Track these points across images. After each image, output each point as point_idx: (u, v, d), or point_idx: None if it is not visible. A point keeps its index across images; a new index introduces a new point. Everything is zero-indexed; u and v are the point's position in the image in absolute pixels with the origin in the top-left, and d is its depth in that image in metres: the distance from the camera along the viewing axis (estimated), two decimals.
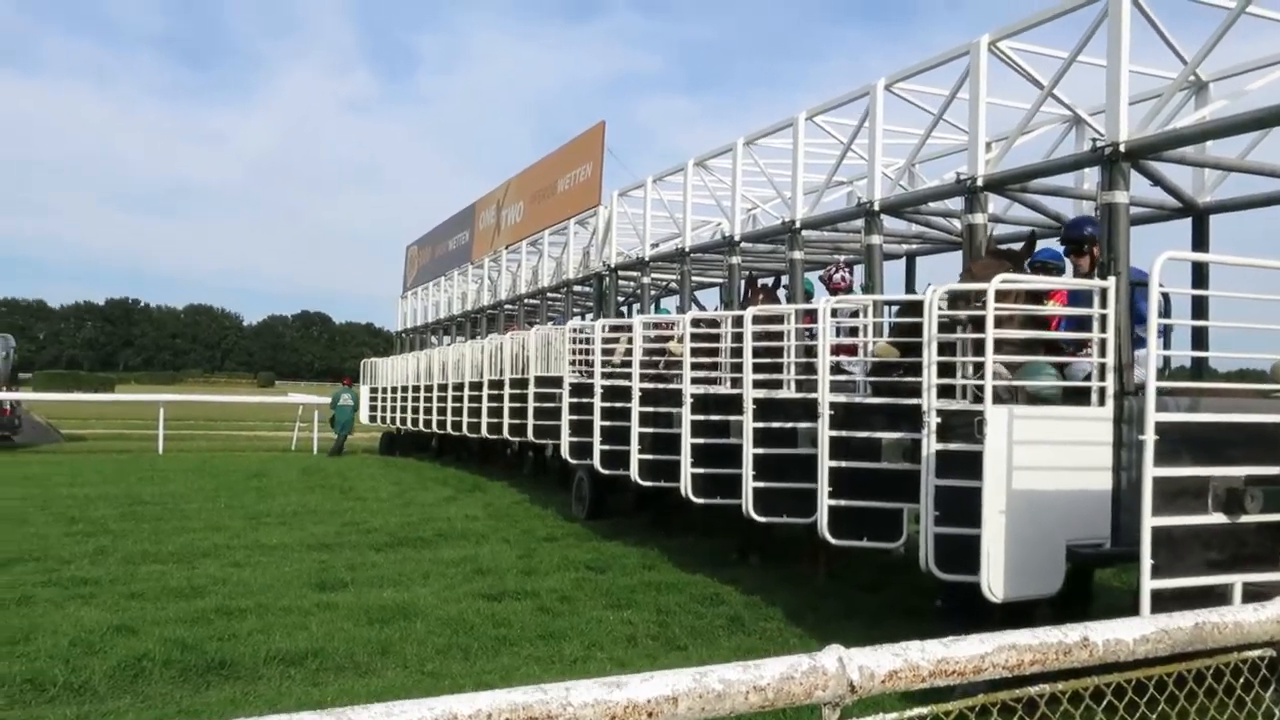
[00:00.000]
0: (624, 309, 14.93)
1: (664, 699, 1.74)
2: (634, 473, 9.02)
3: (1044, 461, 5.06)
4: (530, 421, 12.94)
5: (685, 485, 8.20)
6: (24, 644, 5.67)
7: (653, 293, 13.50)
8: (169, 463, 17.83)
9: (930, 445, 5.22)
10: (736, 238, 10.23)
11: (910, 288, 10.44)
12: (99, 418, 30.47)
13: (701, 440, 8.10)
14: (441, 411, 17.37)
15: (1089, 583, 6.43)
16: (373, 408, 23.35)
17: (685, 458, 8.16)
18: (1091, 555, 5.39)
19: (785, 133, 9.47)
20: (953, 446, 5.20)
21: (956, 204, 8.21)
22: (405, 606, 6.78)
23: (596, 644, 6.15)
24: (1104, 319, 5.37)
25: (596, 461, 9.81)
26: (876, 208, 7.96)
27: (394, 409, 21.18)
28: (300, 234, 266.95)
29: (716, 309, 12.51)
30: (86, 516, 10.65)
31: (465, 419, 15.97)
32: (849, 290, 8.44)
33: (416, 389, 19.35)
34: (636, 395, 8.99)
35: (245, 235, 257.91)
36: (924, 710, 2.10)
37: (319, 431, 22.54)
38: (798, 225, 9.06)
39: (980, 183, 6.78)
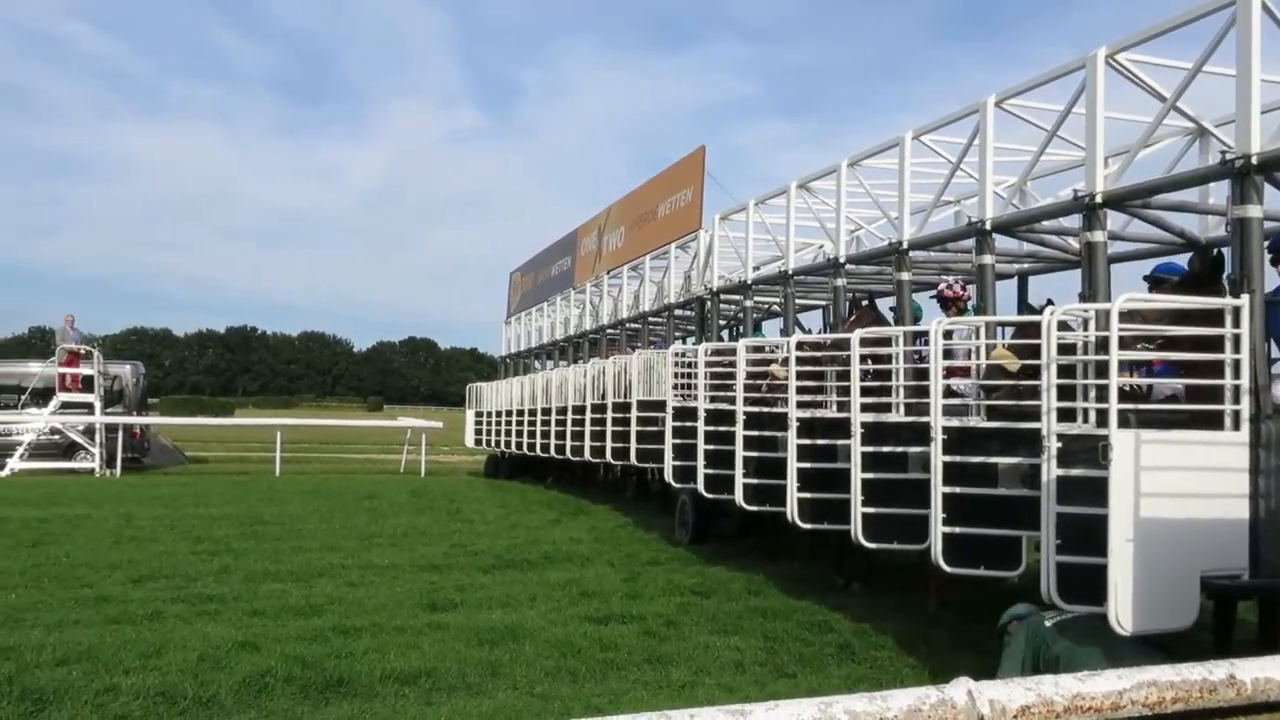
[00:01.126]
0: (725, 332, 14.90)
1: None
2: (738, 497, 8.95)
3: (1175, 488, 4.83)
4: (633, 445, 12.99)
5: (792, 510, 8.10)
6: (156, 658, 5.93)
7: (755, 316, 13.44)
8: (286, 484, 18.47)
9: (1051, 471, 5.03)
10: (841, 259, 10.12)
11: (1022, 308, 10.14)
12: (219, 441, 31.80)
13: (808, 465, 8.00)
14: (545, 435, 17.59)
15: (1233, 615, 6.05)
16: (478, 431, 23.79)
17: (791, 482, 8.07)
18: (1229, 587, 5.11)
19: (890, 153, 9.35)
20: (1075, 472, 5.01)
21: (1071, 222, 7.97)
22: (514, 628, 6.85)
23: (704, 669, 6.10)
24: (1237, 339, 5.12)
25: (700, 485, 9.77)
26: (988, 226, 7.77)
27: (498, 433, 21.55)
28: (408, 262, 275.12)
29: (818, 331, 12.38)
30: (211, 536, 11.09)
31: (569, 442, 16.13)
32: (967, 301, 8.22)
33: (520, 413, 19.65)
34: (741, 419, 8.93)
35: (356, 264, 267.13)
36: None
37: (426, 454, 23.06)
38: (905, 246, 8.91)
39: (1099, 199, 6.56)
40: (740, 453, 8.88)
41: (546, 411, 17.66)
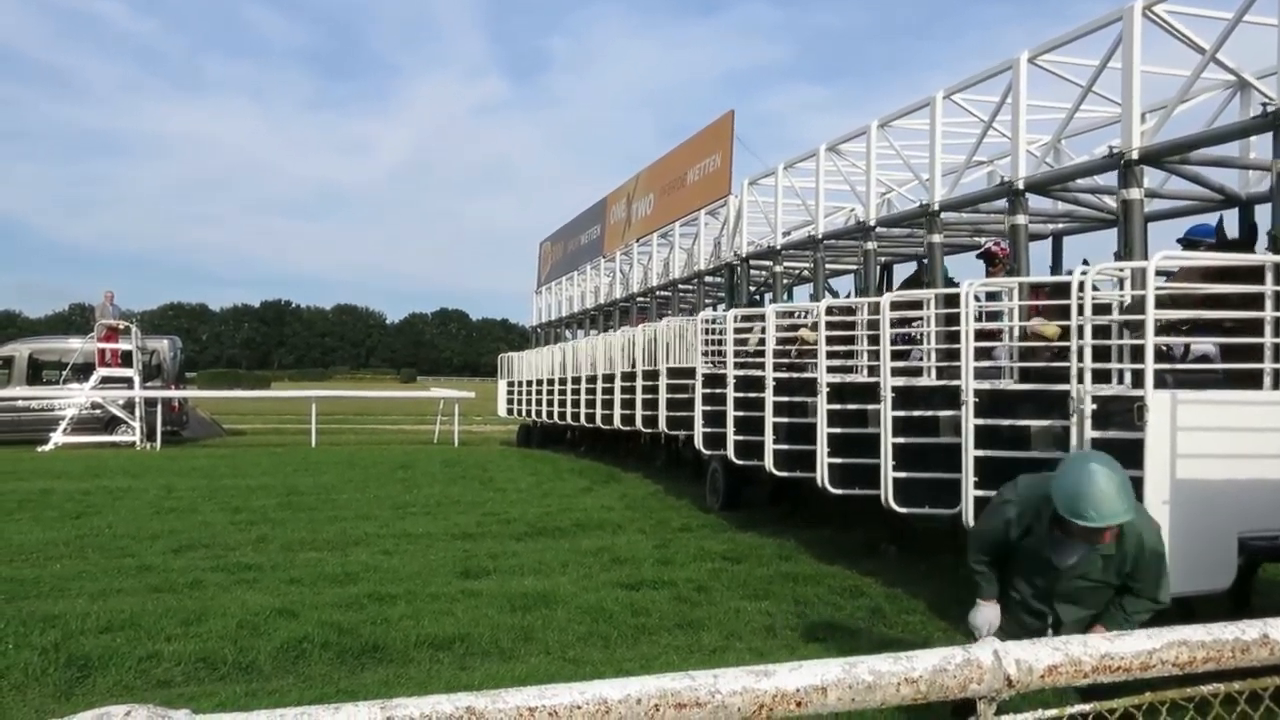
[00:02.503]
0: (757, 298, 14.82)
1: (813, 689, 1.71)
2: (769, 463, 8.94)
3: (1212, 449, 4.75)
4: (663, 413, 13.00)
5: (822, 475, 8.07)
6: (197, 625, 6.05)
7: (785, 281, 13.36)
8: (321, 455, 18.70)
9: (1085, 432, 4.96)
10: (871, 223, 10.01)
11: (1057, 268, 10.00)
12: (256, 413, 32.21)
13: (839, 430, 7.96)
14: (576, 404, 17.64)
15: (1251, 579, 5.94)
16: (509, 401, 23.90)
17: (822, 448, 8.03)
18: (1267, 548, 5.04)
19: (921, 114, 9.21)
20: (1109, 434, 4.94)
21: (1107, 180, 7.81)
22: (546, 594, 6.91)
23: (735, 634, 6.13)
24: (1278, 296, 5.01)
25: (730, 452, 9.77)
26: (1021, 186, 7.64)
27: (530, 402, 21.65)
28: (438, 234, 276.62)
29: (848, 295, 12.28)
30: (248, 506, 11.26)
31: (599, 411, 16.17)
32: (1010, 260, 8.08)
33: (551, 382, 19.72)
34: (770, 385, 8.90)
35: (387, 237, 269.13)
36: (1086, 708, 2.00)
37: (459, 425, 23.23)
38: (936, 208, 8.79)
39: (1136, 156, 6.42)
40: (770, 419, 8.86)
41: (577, 380, 17.70)
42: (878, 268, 10.38)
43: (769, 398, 8.87)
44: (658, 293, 17.55)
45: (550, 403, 19.64)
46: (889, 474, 7.09)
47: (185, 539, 9.08)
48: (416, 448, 21.29)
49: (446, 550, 8.74)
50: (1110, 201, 8.09)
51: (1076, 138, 9.39)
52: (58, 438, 19.44)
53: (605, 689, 1.58)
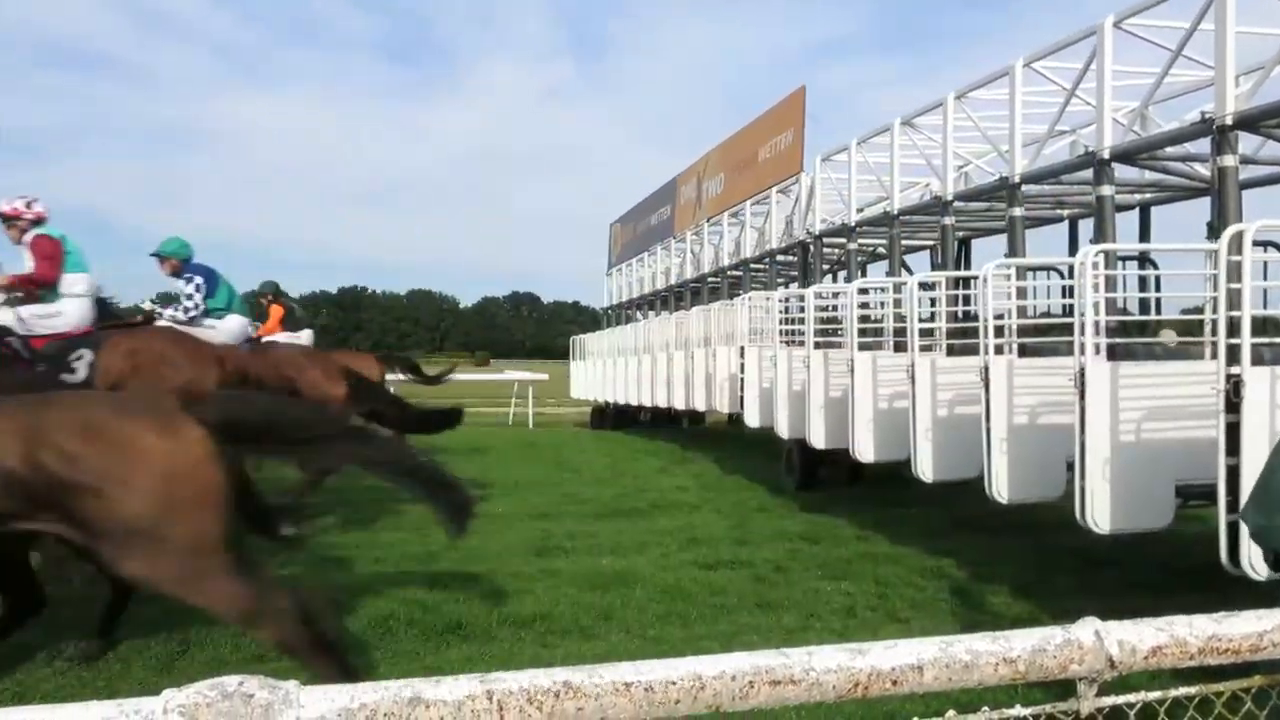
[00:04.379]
0: (829, 277, 14.65)
1: (909, 667, 1.69)
2: (854, 448, 8.80)
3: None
4: (739, 393, 12.94)
5: (919, 463, 7.82)
6: None
7: (860, 259, 13.17)
8: None
9: (1221, 419, 4.61)
10: (949, 197, 9.80)
11: (1145, 240, 9.69)
12: None
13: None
14: (650, 385, 17.66)
15: None
16: (582, 383, 24.04)
17: (915, 433, 7.83)
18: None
19: (999, 84, 8.97)
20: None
21: (1198, 147, 7.52)
22: (624, 574, 6.96)
23: (814, 614, 6.10)
24: None
25: (809, 434, 9.68)
26: (1107, 156, 7.40)
27: (602, 384, 21.75)
28: (509, 217, 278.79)
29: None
30: (329, 489, 11.52)
31: (672, 391, 16.17)
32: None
33: (624, 364, 19.76)
34: (855, 365, 8.76)
35: (458, 221, 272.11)
36: (1192, 690, 1.95)
37: (533, 406, 23.45)
38: (1017, 180, 8.57)
39: (1230, 121, 6.17)
40: (854, 400, 8.69)
41: (651, 361, 17.72)
42: (955, 243, 10.15)
43: (854, 379, 8.68)
44: (729, 272, 17.45)
45: (624, 384, 19.70)
46: (993, 460, 6.74)
47: None
48: (491, 430, 21.53)
49: (525, 530, 8.84)
50: (1202, 170, 7.79)
51: (1165, 103, 9.05)
52: None
53: (700, 665, 1.58)
